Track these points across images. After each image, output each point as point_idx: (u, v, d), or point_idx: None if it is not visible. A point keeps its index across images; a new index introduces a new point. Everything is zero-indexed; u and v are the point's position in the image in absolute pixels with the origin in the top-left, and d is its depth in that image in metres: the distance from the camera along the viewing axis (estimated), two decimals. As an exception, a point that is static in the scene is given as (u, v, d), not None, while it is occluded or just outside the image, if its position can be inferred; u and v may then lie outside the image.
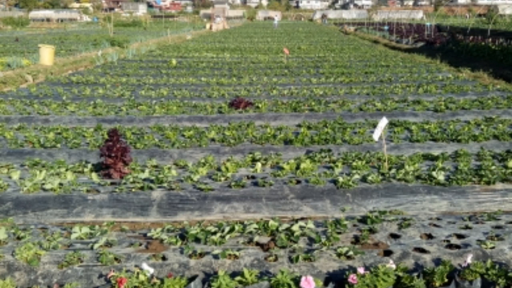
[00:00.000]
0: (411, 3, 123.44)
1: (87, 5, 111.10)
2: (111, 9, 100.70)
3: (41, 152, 7.06)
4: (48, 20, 75.58)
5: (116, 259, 3.78)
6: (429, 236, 4.16)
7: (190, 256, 3.82)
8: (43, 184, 5.46)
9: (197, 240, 4.08)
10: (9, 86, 13.29)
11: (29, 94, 11.87)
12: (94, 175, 5.88)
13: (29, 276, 3.59)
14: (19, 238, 4.17)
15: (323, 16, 77.51)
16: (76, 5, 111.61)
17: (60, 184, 5.50)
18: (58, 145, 7.34)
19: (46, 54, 17.38)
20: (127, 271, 3.54)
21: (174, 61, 18.09)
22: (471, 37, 24.36)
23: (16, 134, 8.08)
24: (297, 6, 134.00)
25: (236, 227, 4.25)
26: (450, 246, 3.93)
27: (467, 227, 4.36)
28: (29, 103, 10.54)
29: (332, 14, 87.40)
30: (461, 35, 28.05)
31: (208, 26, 50.34)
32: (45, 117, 9.28)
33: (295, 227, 4.21)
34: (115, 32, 35.85)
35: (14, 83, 13.67)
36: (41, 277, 3.58)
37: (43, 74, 15.50)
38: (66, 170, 6.14)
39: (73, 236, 4.22)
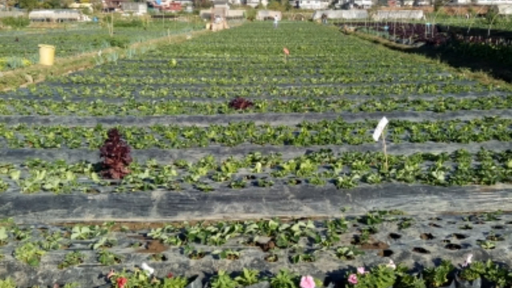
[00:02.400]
0: (411, 3, 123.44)
1: (87, 5, 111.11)
2: (111, 9, 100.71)
3: (41, 152, 7.06)
4: (48, 20, 75.58)
5: (116, 259, 3.78)
6: (429, 236, 4.16)
7: (190, 256, 3.82)
8: (43, 184, 5.46)
9: (197, 240, 4.08)
10: (9, 86, 13.29)
11: (29, 94, 11.87)
12: (94, 175, 5.88)
13: (29, 276, 3.59)
14: (19, 238, 4.17)
15: (323, 16, 77.50)
16: (76, 5, 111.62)
17: (60, 184, 5.50)
18: (58, 145, 7.34)
19: (46, 54, 17.39)
20: (127, 271, 3.54)
21: (174, 61, 18.09)
22: (471, 37, 24.35)
23: (16, 134, 8.08)
24: (297, 6, 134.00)
25: (236, 227, 4.25)
26: (450, 246, 3.93)
27: (467, 227, 4.36)
28: (29, 103, 10.54)
29: (332, 14, 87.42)
30: (461, 35, 28.04)
31: (208, 26, 50.34)
32: (45, 117, 9.28)
33: (295, 227, 4.21)
34: (115, 32, 35.85)
35: (14, 83, 13.67)
36: (41, 277, 3.58)
37: (43, 74, 15.50)
38: (66, 170, 6.14)
39: (73, 236, 4.23)
